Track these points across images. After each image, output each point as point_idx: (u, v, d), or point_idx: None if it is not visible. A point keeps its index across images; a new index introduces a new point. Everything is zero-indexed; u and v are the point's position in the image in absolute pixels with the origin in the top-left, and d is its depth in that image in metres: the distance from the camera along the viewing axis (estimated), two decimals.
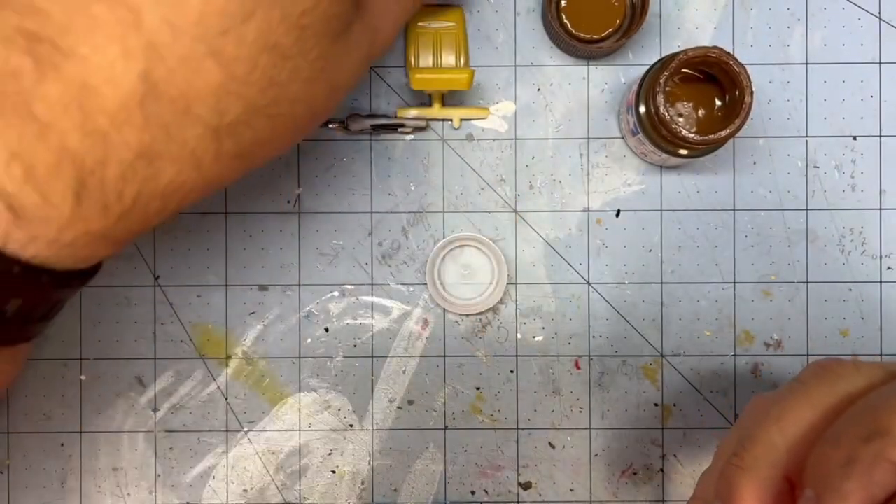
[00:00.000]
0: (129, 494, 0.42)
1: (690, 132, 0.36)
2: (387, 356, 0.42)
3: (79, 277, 0.27)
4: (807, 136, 0.41)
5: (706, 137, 0.35)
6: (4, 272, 0.24)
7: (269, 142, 0.28)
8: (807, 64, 0.41)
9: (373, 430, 0.42)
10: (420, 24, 0.40)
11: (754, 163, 0.41)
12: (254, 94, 0.26)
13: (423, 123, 0.41)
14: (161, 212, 0.27)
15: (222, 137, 0.26)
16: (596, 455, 0.42)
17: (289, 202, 0.42)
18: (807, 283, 0.41)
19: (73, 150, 0.23)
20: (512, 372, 0.42)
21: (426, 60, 0.40)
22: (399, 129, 0.41)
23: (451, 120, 0.41)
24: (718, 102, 0.38)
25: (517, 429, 0.42)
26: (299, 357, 0.42)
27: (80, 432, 0.42)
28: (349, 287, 0.42)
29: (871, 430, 0.23)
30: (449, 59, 0.40)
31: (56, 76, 0.23)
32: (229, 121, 0.26)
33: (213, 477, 0.42)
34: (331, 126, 0.41)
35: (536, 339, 0.42)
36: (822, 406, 0.26)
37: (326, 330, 0.42)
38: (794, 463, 0.26)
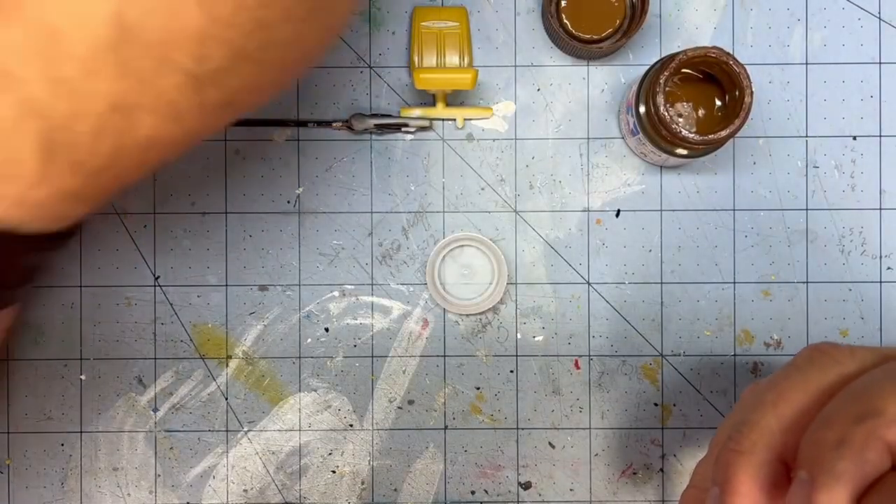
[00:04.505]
0: (129, 494, 0.42)
1: (690, 132, 0.36)
2: (387, 356, 0.42)
3: (54, 239, 0.25)
4: (807, 136, 0.41)
5: (706, 137, 0.36)
6: None
7: (258, 89, 0.26)
8: (807, 64, 0.41)
9: (373, 429, 0.42)
10: (424, 23, 0.40)
11: (754, 163, 0.41)
12: (239, 39, 0.23)
13: (426, 123, 0.41)
14: (140, 167, 0.25)
15: (205, 86, 0.24)
16: (596, 455, 0.42)
17: (289, 202, 0.42)
18: (807, 283, 0.41)
19: (39, 101, 0.21)
20: (512, 372, 0.42)
21: (430, 60, 0.40)
22: (402, 129, 0.41)
23: (454, 119, 0.41)
24: (718, 102, 0.38)
25: (517, 429, 0.42)
26: (299, 357, 0.42)
27: (80, 432, 0.42)
28: (349, 287, 0.42)
29: (863, 411, 0.23)
30: (453, 58, 0.40)
31: (16, 18, 0.21)
32: (212, 68, 0.23)
33: (213, 477, 0.42)
34: (334, 125, 0.41)
35: (536, 339, 0.42)
36: (816, 389, 0.26)
37: (326, 330, 0.42)
38: (789, 445, 0.26)
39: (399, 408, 0.42)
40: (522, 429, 0.42)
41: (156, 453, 0.42)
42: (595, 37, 0.39)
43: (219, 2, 0.22)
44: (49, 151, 0.22)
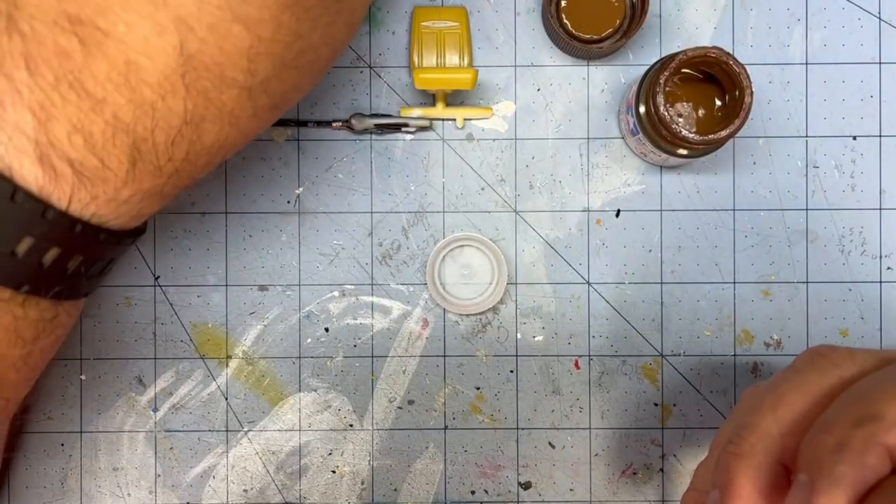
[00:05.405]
0: (129, 494, 0.42)
1: (690, 132, 0.36)
2: (387, 356, 0.42)
3: (130, 235, 0.30)
4: (807, 136, 0.41)
5: (706, 137, 0.36)
6: (68, 229, 0.27)
7: (299, 88, 0.30)
8: (807, 64, 0.41)
9: (373, 429, 0.42)
10: (424, 23, 0.40)
11: (754, 163, 0.41)
12: (281, 51, 0.27)
13: (426, 123, 0.41)
14: (206, 166, 0.29)
15: (257, 95, 0.28)
16: (596, 455, 0.42)
17: (289, 202, 0.42)
18: (807, 283, 0.41)
19: (125, 120, 0.26)
20: (512, 372, 0.42)
21: (430, 60, 0.40)
22: (403, 129, 0.41)
23: (454, 119, 0.41)
24: (718, 102, 0.38)
25: (517, 429, 0.42)
26: (299, 357, 0.42)
27: (80, 432, 0.42)
28: (349, 287, 0.42)
29: (863, 415, 0.23)
30: (452, 58, 0.40)
31: (101, 54, 0.25)
32: (261, 79, 0.27)
33: (213, 477, 0.42)
34: (334, 125, 0.41)
35: (536, 339, 0.42)
36: (815, 393, 0.26)
37: (326, 330, 0.42)
38: (788, 449, 0.26)
39: (399, 408, 0.42)
40: (522, 429, 0.42)
41: (156, 453, 0.42)
42: (595, 37, 0.39)
43: (261, 22, 0.26)
44: (135, 159, 0.27)
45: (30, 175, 0.26)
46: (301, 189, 0.42)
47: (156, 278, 0.42)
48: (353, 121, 0.41)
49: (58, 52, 0.25)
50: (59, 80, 0.25)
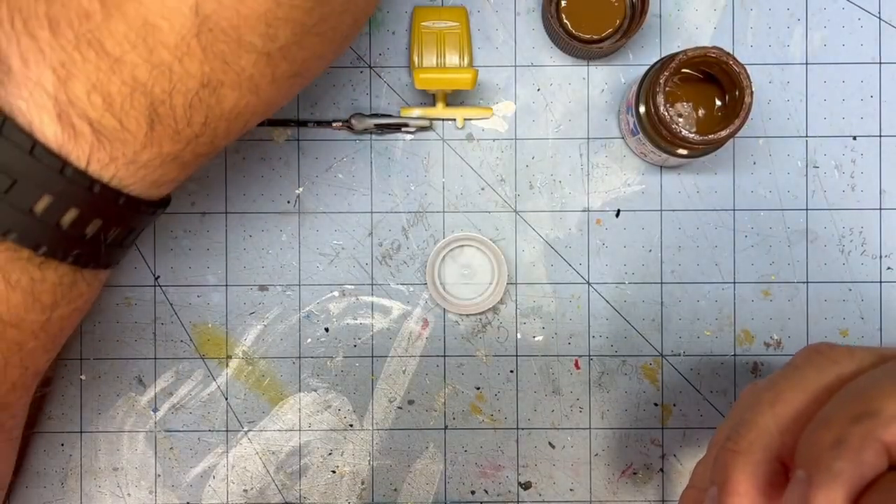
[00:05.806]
0: (129, 494, 0.42)
1: (690, 132, 0.36)
2: (387, 356, 0.42)
3: (151, 205, 0.30)
4: (807, 136, 0.41)
5: (706, 137, 0.36)
6: (87, 189, 0.27)
7: (321, 56, 0.30)
8: (807, 64, 0.41)
9: (373, 429, 0.42)
10: (424, 24, 0.40)
11: (754, 163, 0.41)
12: (301, 16, 0.27)
13: (426, 123, 0.41)
14: (227, 134, 0.29)
15: (277, 61, 0.28)
16: (596, 455, 0.42)
17: (289, 202, 0.42)
18: (807, 283, 0.41)
19: (143, 81, 0.26)
20: (512, 372, 0.42)
21: (430, 60, 0.40)
22: (403, 129, 0.41)
23: (454, 119, 0.41)
24: (718, 102, 0.38)
25: (517, 429, 0.42)
26: (299, 357, 0.42)
27: (80, 432, 0.42)
28: (349, 287, 0.42)
29: (861, 411, 0.23)
30: (452, 58, 0.40)
31: (120, 14, 0.25)
32: (281, 45, 0.27)
33: (213, 477, 0.42)
34: (334, 125, 0.41)
35: (536, 338, 0.42)
36: (813, 390, 0.26)
37: (326, 330, 0.42)
38: (787, 446, 0.26)
39: (399, 408, 0.42)
40: (522, 429, 0.42)
41: (156, 453, 0.42)
42: (595, 37, 0.39)
43: None
44: (153, 121, 0.27)
45: (49, 131, 0.26)
46: (301, 189, 0.42)
47: (156, 278, 0.42)
48: (353, 121, 0.41)
49: (79, 13, 0.25)
50: (80, 39, 0.26)
